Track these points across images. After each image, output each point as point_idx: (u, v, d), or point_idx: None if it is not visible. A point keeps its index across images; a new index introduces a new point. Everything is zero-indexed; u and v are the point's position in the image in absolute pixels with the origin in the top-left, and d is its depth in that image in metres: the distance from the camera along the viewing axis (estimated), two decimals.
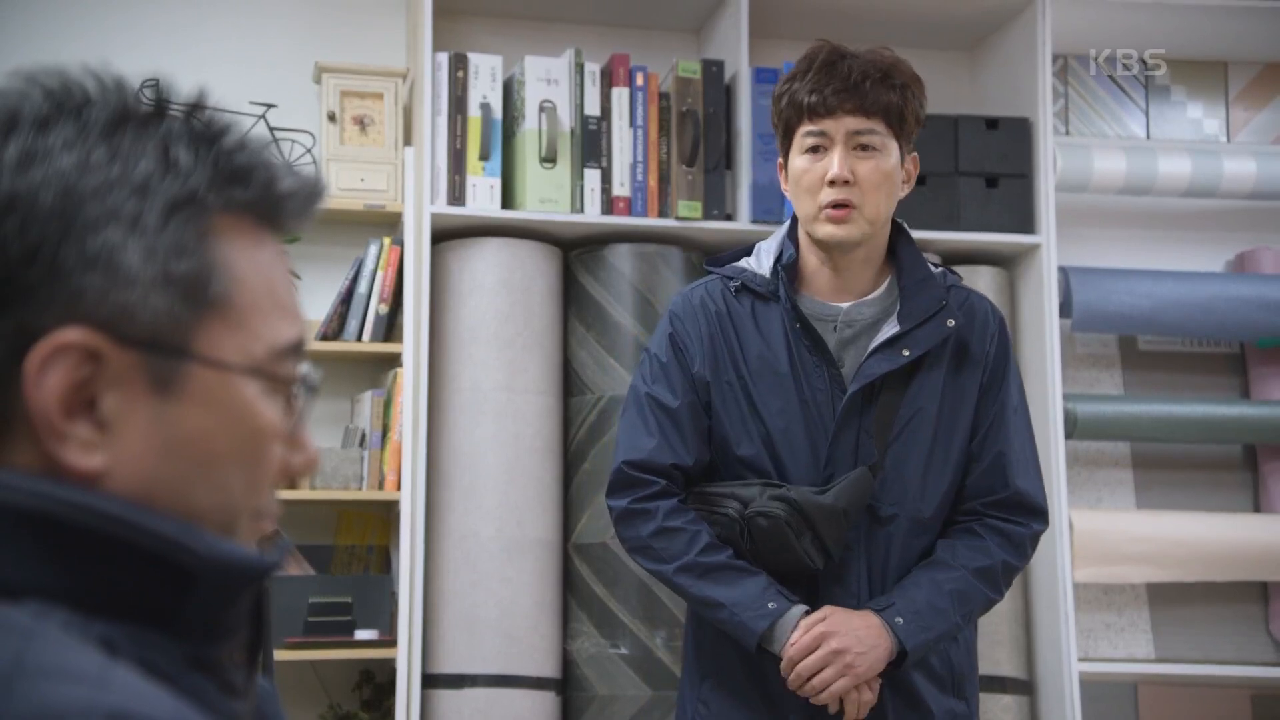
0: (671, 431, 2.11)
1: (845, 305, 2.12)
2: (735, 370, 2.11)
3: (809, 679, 2.00)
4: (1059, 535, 3.38)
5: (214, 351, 0.79)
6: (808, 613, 2.03)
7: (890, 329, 2.08)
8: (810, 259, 2.13)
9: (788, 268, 2.12)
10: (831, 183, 2.04)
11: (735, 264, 2.19)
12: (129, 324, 0.76)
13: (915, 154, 2.15)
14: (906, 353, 2.06)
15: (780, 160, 2.15)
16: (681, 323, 2.15)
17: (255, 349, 0.81)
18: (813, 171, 2.06)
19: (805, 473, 2.07)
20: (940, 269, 2.17)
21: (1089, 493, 3.67)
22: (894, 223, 2.15)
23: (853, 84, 2.04)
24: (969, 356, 2.12)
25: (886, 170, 2.06)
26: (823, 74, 2.05)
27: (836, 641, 1.98)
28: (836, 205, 2.04)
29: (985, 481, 2.12)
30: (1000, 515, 2.12)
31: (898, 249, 2.15)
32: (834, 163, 2.04)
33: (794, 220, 2.15)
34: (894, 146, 2.07)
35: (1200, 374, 3.80)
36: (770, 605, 2.01)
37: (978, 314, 2.15)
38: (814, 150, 2.07)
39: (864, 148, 2.05)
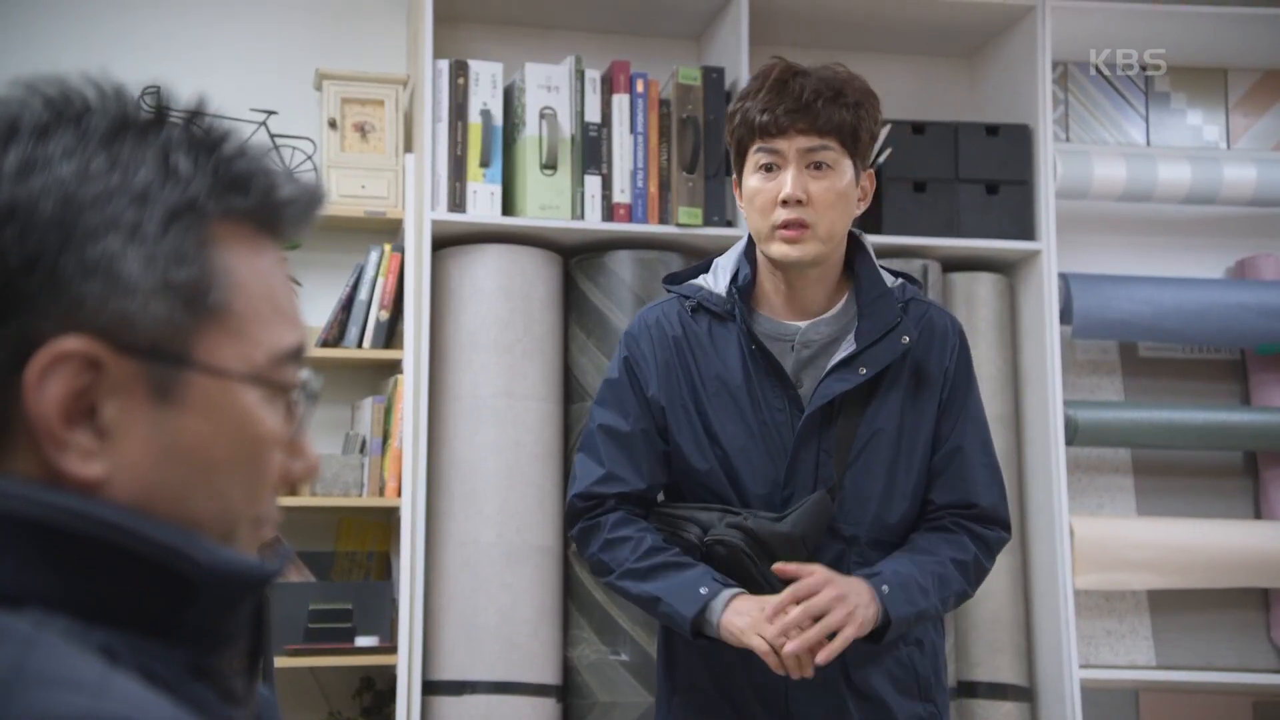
0: (621, 458, 2.11)
1: (803, 325, 2.10)
2: (692, 392, 2.11)
3: (813, 622, 1.94)
4: (1060, 542, 3.37)
5: (214, 359, 0.79)
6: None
7: (847, 348, 2.07)
8: (766, 278, 2.13)
9: (743, 288, 2.11)
10: (784, 202, 2.04)
11: (692, 282, 2.18)
12: (129, 332, 0.76)
13: (871, 170, 2.14)
14: (863, 371, 2.05)
15: (735, 176, 2.14)
16: (637, 345, 2.16)
17: (255, 356, 0.81)
18: (766, 191, 2.06)
19: (765, 495, 2.06)
20: (899, 281, 2.16)
21: (1090, 499, 3.67)
22: (851, 237, 2.14)
23: (804, 103, 2.03)
24: (928, 373, 2.12)
25: (840, 189, 2.05)
26: (774, 93, 2.05)
27: (840, 588, 1.97)
28: (790, 225, 2.04)
29: (950, 497, 2.12)
30: (970, 523, 2.13)
31: (855, 264, 2.14)
32: (787, 182, 2.03)
33: (751, 238, 2.15)
34: (847, 164, 2.06)
35: (1201, 380, 3.80)
36: (702, 591, 1.99)
37: (937, 329, 2.14)
38: (767, 169, 2.06)
39: (817, 166, 2.05)
